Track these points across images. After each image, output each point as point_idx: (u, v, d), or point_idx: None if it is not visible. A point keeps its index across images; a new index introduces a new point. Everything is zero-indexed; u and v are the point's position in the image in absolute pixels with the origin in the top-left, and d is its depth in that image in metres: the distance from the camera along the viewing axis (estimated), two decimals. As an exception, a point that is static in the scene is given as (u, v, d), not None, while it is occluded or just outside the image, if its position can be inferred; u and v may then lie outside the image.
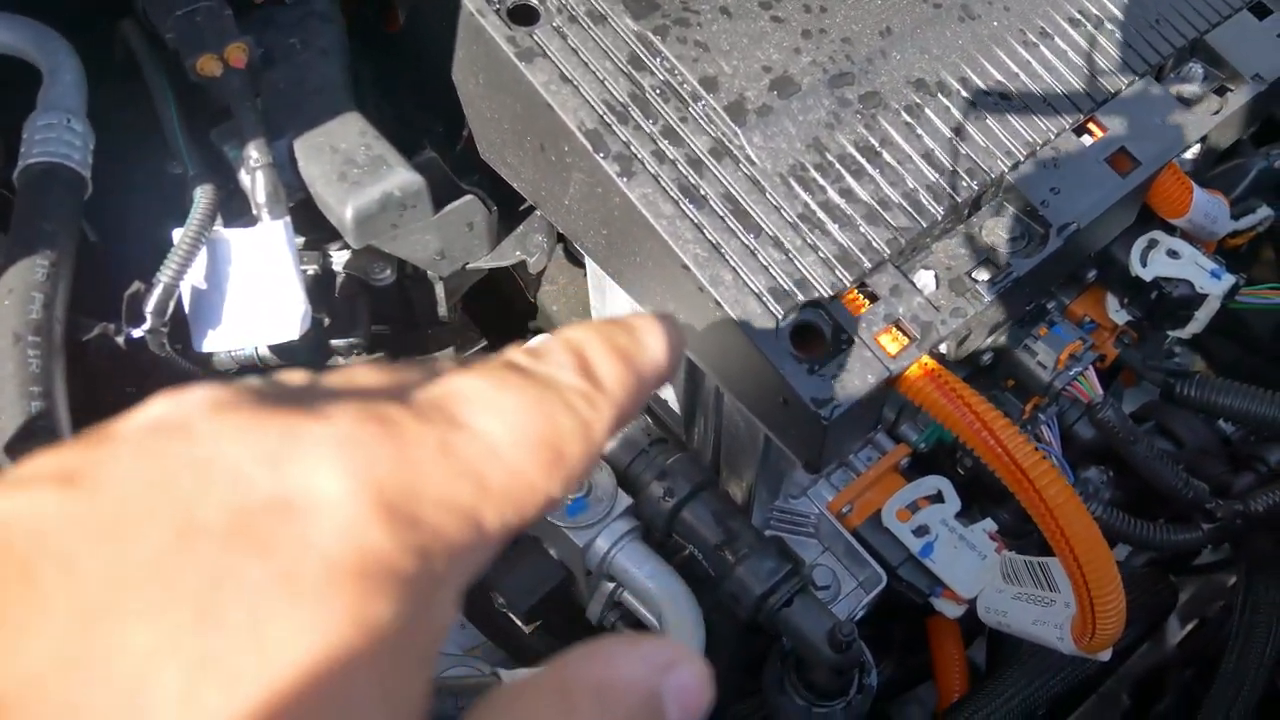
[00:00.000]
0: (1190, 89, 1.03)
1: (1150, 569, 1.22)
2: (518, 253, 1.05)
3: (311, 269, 1.03)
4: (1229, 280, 1.05)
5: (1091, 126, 0.99)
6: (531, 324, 1.28)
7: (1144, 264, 1.05)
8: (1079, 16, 1.03)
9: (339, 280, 1.05)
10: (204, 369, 0.94)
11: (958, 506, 1.02)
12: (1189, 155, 1.06)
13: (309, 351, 1.02)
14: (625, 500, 0.97)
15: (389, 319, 1.11)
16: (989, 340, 0.98)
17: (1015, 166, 0.94)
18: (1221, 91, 1.05)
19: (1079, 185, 0.95)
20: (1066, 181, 0.95)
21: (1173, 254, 1.06)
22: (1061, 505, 0.79)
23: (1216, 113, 1.03)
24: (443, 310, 1.09)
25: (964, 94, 0.96)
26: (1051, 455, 1.05)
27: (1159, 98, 1.02)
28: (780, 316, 0.84)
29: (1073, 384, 1.00)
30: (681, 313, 0.90)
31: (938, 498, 1.03)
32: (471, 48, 0.95)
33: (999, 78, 0.98)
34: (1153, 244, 1.06)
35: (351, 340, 1.05)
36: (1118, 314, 1.10)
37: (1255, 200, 1.48)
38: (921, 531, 1.01)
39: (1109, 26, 1.03)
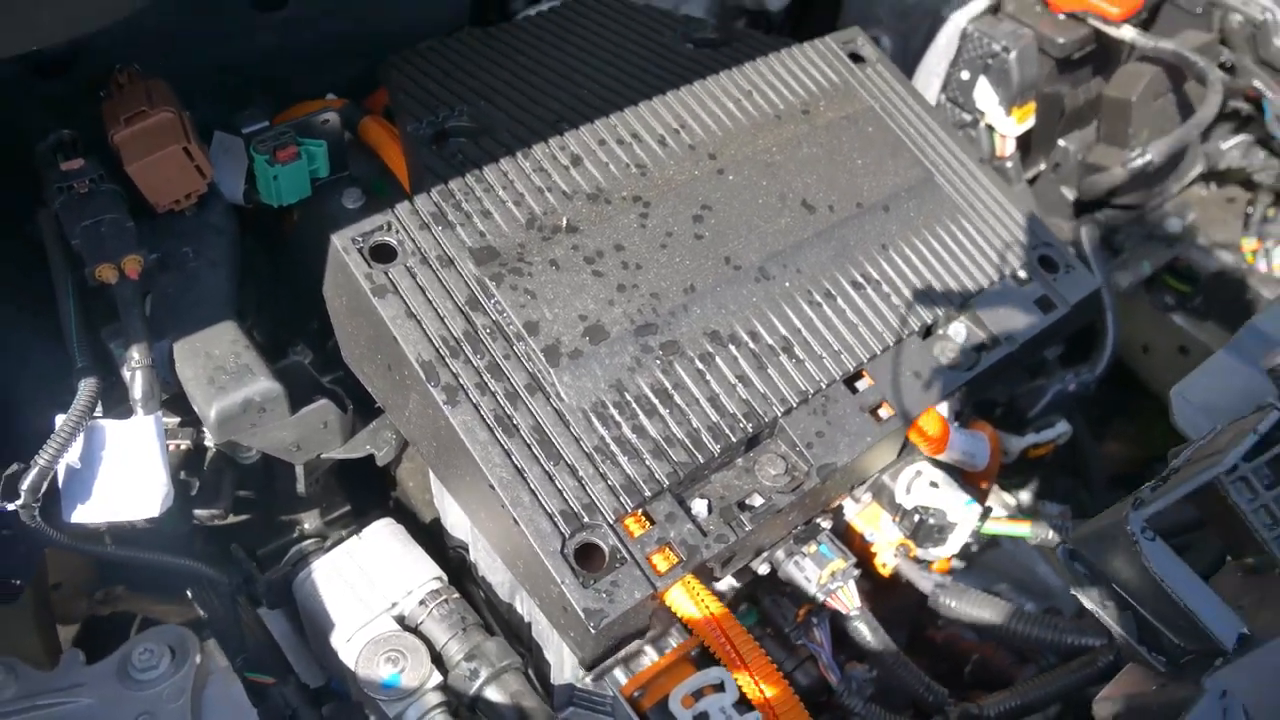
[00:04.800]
0: (950, 348, 1.23)
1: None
2: (368, 447, 1.20)
3: (185, 444, 1.17)
4: (976, 510, 1.22)
5: (861, 377, 1.17)
6: (392, 494, 1.42)
7: (907, 491, 1.23)
8: (861, 280, 1.22)
9: (208, 455, 1.19)
10: (73, 539, 1.07)
11: (735, 696, 1.16)
12: (944, 406, 1.24)
13: (174, 519, 1.15)
14: (437, 677, 1.10)
15: (254, 488, 1.25)
16: (758, 559, 1.14)
17: (788, 412, 1.12)
18: (980, 350, 1.24)
19: (841, 431, 1.12)
20: (831, 427, 1.12)
21: (933, 484, 1.24)
22: (776, 696, 0.94)
23: (971, 368, 1.22)
24: (301, 488, 1.23)
25: (752, 345, 1.14)
26: (821, 654, 1.21)
27: (921, 355, 1.21)
28: (567, 535, 0.99)
29: (833, 595, 1.16)
30: (490, 523, 1.06)
31: (720, 687, 1.18)
32: (338, 275, 1.11)
33: (784, 332, 1.16)
34: (918, 474, 1.24)
35: (213, 510, 1.18)
36: (891, 530, 1.27)
37: (1055, 415, 1.69)
38: (701, 717, 1.16)
39: (886, 290, 1.23)
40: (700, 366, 1.11)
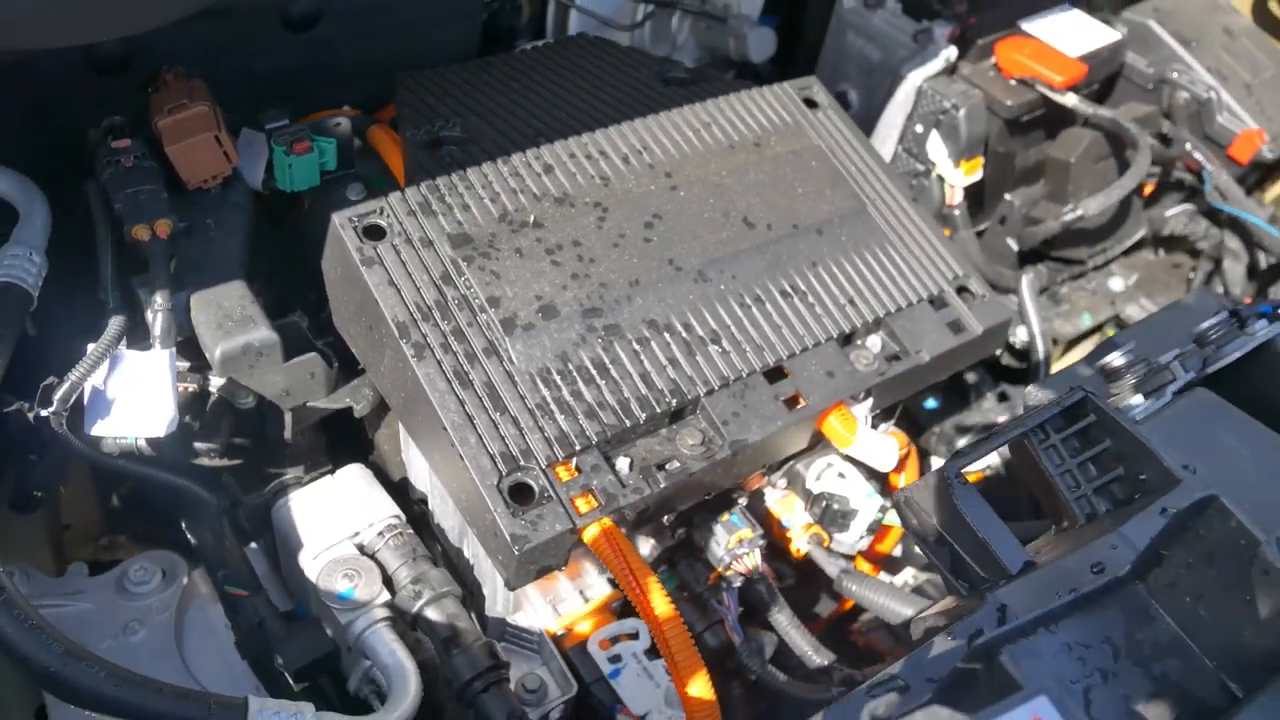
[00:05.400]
0: (865, 355, 1.39)
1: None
2: (347, 400, 1.39)
3: (191, 387, 1.36)
4: (878, 501, 1.38)
5: (782, 372, 1.34)
6: (370, 457, 1.60)
7: (817, 479, 1.39)
8: (789, 290, 1.40)
9: (211, 399, 1.37)
10: (91, 449, 1.25)
11: (647, 644, 1.32)
12: (864, 407, 1.41)
13: (175, 447, 1.33)
14: (385, 595, 1.27)
15: (248, 434, 1.43)
16: (677, 521, 1.30)
17: (710, 393, 1.29)
18: (892, 359, 1.41)
19: (755, 414, 1.29)
20: (746, 410, 1.29)
21: (841, 475, 1.40)
22: (671, 635, 1.10)
23: (881, 375, 1.38)
24: (288, 434, 1.41)
25: (684, 334, 1.31)
26: (728, 616, 1.36)
27: (837, 358, 1.37)
28: (504, 473, 1.17)
29: (738, 558, 1.32)
30: (443, 463, 1.23)
31: (634, 635, 1.34)
32: (334, 248, 1.31)
33: (714, 326, 1.33)
34: (829, 465, 1.41)
35: (211, 445, 1.37)
36: (803, 515, 1.43)
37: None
38: (615, 659, 1.32)
39: (811, 300, 1.40)
40: (636, 348, 1.29)
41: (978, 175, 1.88)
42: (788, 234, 1.44)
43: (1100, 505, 0.97)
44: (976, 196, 1.99)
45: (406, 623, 1.27)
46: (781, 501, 1.45)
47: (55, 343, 1.32)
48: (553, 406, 1.22)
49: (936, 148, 1.87)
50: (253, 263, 1.41)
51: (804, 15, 2.15)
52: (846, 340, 1.42)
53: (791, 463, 1.44)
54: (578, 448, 1.21)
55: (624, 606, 1.38)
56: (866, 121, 1.98)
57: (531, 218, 1.35)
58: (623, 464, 1.23)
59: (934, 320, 1.46)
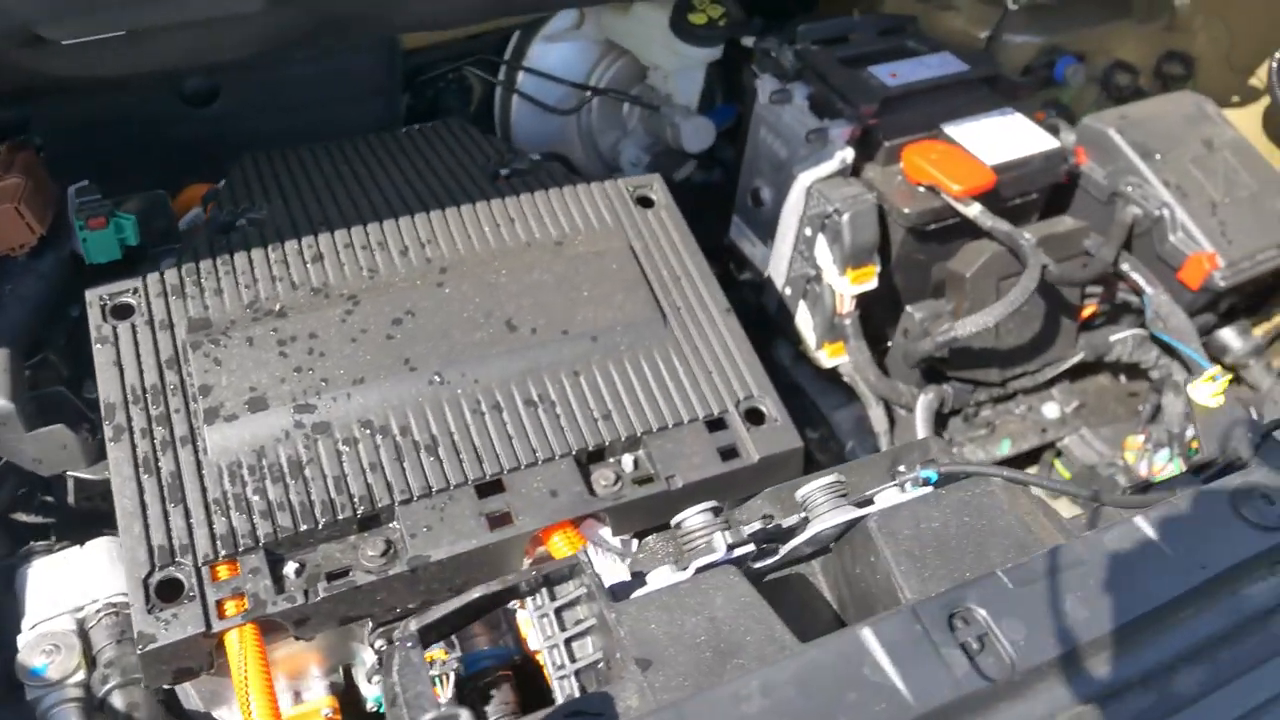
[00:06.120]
0: (608, 476, 1.31)
1: None
2: (107, 473, 1.42)
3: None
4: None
5: (500, 485, 1.27)
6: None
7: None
8: (536, 399, 1.33)
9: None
10: None
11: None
12: (606, 531, 1.32)
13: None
14: (81, 676, 1.28)
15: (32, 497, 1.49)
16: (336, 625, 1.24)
17: (406, 502, 1.24)
18: (641, 483, 1.31)
19: (450, 529, 1.23)
20: (443, 524, 1.23)
21: (569, 601, 1.31)
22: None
23: (619, 499, 1.29)
24: (71, 500, 1.46)
25: (397, 438, 1.27)
26: None
27: (569, 476, 1.29)
28: (155, 567, 1.16)
29: (443, 677, 1.25)
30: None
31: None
32: (89, 324, 1.35)
33: (434, 431, 1.28)
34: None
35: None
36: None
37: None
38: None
39: (559, 411, 1.32)
40: (341, 448, 1.26)
41: (870, 284, 1.74)
42: (553, 339, 1.37)
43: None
44: (894, 305, 1.85)
45: (95, 705, 1.27)
46: (524, 618, 1.37)
47: None
48: (231, 502, 1.21)
49: (823, 253, 1.75)
50: (51, 328, 1.48)
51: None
52: (597, 457, 1.33)
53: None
54: (241, 548, 1.18)
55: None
56: (776, 220, 1.88)
57: (278, 306, 1.35)
58: (290, 569, 1.20)
59: (704, 443, 1.35)
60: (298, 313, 1.35)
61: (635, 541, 1.40)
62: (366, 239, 1.44)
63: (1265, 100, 2.11)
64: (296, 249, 1.41)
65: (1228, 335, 1.98)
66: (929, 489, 1.02)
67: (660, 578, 1.05)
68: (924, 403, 1.75)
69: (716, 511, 1.07)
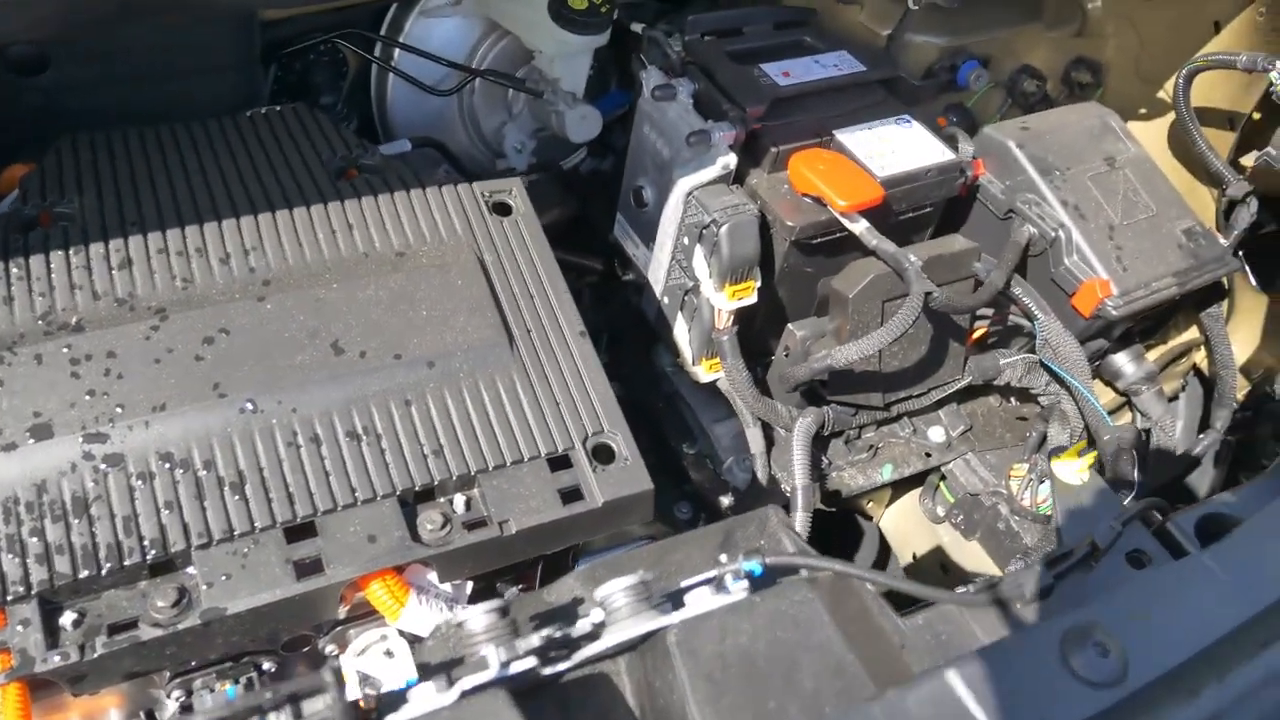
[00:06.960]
0: (435, 519, 1.20)
1: None
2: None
3: None
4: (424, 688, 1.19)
5: (311, 529, 1.16)
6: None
7: (359, 653, 1.21)
8: (361, 431, 1.22)
9: None
10: None
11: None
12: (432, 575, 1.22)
13: None
14: None
15: None
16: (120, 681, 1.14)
17: (205, 546, 1.13)
18: (472, 527, 1.21)
19: (253, 577, 1.12)
20: (244, 571, 1.12)
21: (389, 654, 1.21)
22: None
23: (445, 545, 1.19)
24: None
25: (200, 473, 1.15)
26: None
27: (390, 519, 1.19)
28: (-94, 619, 1.03)
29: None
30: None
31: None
32: None
33: (241, 466, 1.17)
34: (382, 638, 1.22)
35: None
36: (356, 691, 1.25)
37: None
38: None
39: (385, 445, 1.21)
40: (136, 484, 1.14)
41: (749, 300, 1.64)
42: (384, 364, 1.26)
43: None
44: (779, 319, 1.76)
45: None
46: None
47: None
48: (3, 543, 1.08)
49: (700, 265, 1.65)
50: None
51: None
52: (425, 496, 1.23)
53: (342, 628, 1.26)
54: (11, 596, 1.06)
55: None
56: (658, 223, 1.77)
57: (74, 319, 1.21)
58: (68, 620, 1.08)
59: (544, 483, 1.26)
60: (96, 327, 1.21)
61: (469, 585, 1.31)
62: (184, 243, 1.31)
63: (1171, 115, 2.04)
64: (103, 252, 1.28)
65: (1121, 361, 1.93)
66: (745, 589, 0.92)
67: (422, 699, 0.95)
68: (802, 426, 1.67)
69: (504, 612, 0.97)
